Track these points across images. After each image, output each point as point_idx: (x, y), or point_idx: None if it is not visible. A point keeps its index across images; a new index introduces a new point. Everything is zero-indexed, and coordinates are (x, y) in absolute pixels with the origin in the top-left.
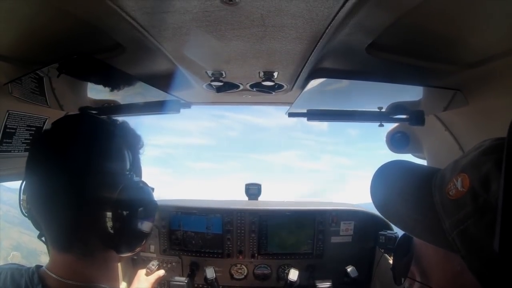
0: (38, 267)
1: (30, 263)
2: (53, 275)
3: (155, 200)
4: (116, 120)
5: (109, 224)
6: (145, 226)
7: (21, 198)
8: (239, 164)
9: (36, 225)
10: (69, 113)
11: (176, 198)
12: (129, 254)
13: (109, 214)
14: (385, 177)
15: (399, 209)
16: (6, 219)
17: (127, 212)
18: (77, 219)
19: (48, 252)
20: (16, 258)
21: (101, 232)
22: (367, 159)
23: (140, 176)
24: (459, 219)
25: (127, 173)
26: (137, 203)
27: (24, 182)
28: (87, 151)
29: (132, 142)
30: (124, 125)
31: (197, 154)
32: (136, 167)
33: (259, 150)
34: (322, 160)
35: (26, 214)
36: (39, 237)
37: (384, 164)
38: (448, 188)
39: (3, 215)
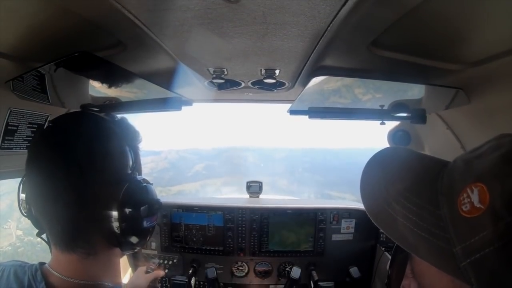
0: (41, 264)
1: None
2: (56, 274)
3: (158, 198)
4: (115, 117)
5: (115, 223)
6: (150, 224)
7: (20, 197)
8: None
9: (36, 224)
10: (70, 111)
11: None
12: (133, 251)
13: (114, 213)
14: (377, 170)
15: (397, 219)
16: (18, 179)
17: (133, 211)
18: (82, 219)
19: (50, 249)
20: None
21: (106, 232)
22: None
23: (140, 172)
24: (474, 246)
25: (130, 171)
26: (141, 201)
27: (24, 182)
28: (90, 149)
29: (133, 139)
30: (123, 121)
31: None
32: (137, 164)
33: None
34: None
35: (26, 214)
36: (39, 235)
37: (380, 151)
38: (460, 200)
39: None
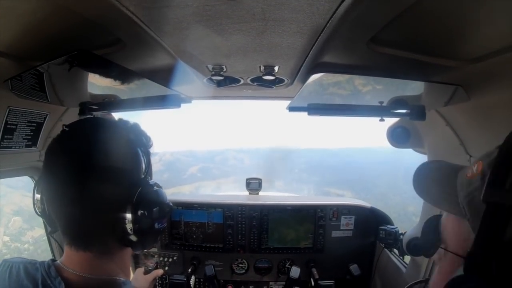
0: (53, 260)
1: (31, 226)
2: (71, 270)
3: (169, 202)
4: (129, 122)
5: (129, 225)
6: (161, 225)
7: (35, 198)
8: None
9: (50, 224)
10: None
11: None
12: (142, 251)
13: (129, 216)
14: (426, 170)
15: (432, 191)
16: (9, 183)
17: (146, 214)
18: (98, 221)
19: (50, 246)
20: (17, 223)
21: (120, 233)
22: None
23: (152, 176)
24: (469, 192)
25: (143, 176)
26: (153, 205)
27: (39, 183)
28: (105, 155)
29: (146, 145)
30: (136, 127)
31: None
32: (149, 168)
33: None
34: None
35: (40, 214)
36: (51, 233)
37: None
38: (467, 172)
39: (5, 181)
